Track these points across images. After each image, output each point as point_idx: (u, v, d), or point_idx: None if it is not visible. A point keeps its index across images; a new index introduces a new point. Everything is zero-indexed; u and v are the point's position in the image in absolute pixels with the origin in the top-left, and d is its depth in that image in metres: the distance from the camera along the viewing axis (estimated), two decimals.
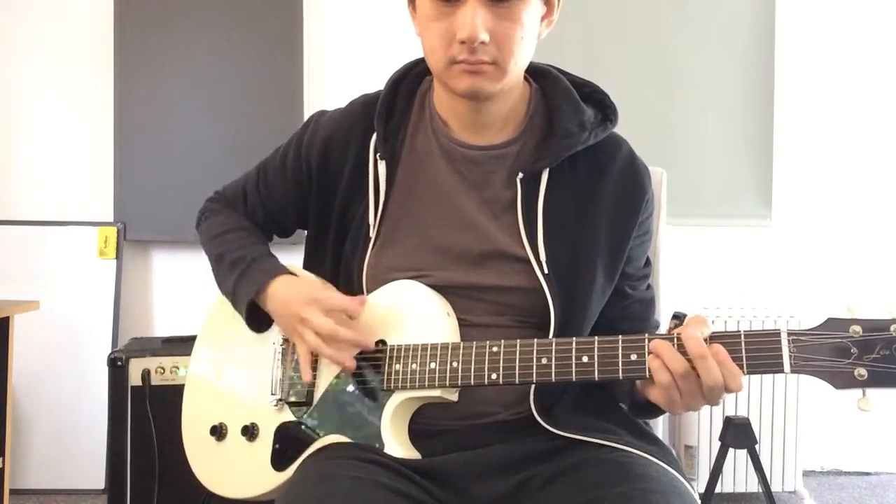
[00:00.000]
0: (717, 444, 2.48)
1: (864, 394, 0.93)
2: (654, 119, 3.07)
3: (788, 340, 0.94)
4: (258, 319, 1.21)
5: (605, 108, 1.19)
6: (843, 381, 0.92)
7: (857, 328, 0.92)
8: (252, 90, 3.00)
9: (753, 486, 2.74)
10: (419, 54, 1.25)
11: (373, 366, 1.11)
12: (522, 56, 1.10)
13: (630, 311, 1.21)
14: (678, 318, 1.06)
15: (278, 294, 1.17)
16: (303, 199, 1.26)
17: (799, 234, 3.16)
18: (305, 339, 1.12)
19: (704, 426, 2.78)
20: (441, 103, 1.20)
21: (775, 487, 2.74)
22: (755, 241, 3.16)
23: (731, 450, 2.40)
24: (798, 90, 3.15)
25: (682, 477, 1.08)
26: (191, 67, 2.99)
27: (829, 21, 3.16)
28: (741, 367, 0.96)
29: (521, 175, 1.14)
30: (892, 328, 0.91)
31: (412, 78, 1.23)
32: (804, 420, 2.79)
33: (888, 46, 3.18)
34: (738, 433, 2.35)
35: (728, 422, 2.39)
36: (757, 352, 0.95)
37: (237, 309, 1.21)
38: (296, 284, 1.18)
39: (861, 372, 0.91)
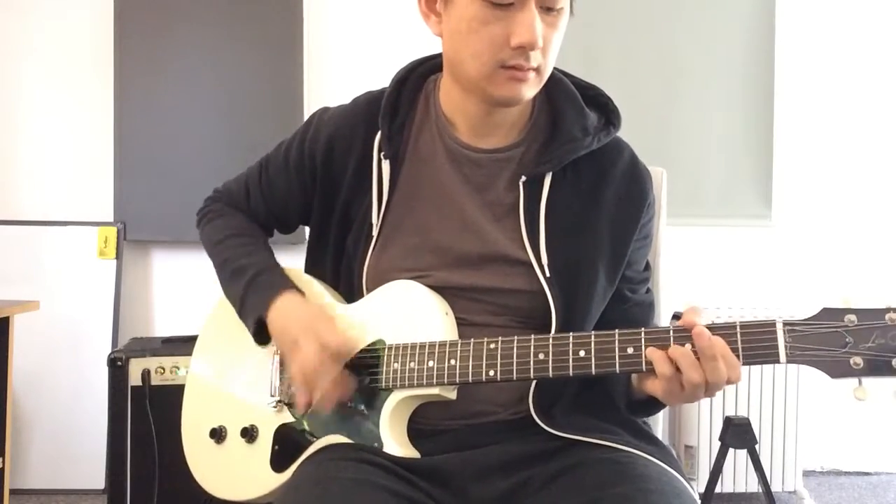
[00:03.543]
0: (717, 444, 2.48)
1: (859, 383, 0.93)
2: (654, 119, 3.08)
3: (784, 330, 0.94)
4: (264, 335, 1.19)
5: (608, 112, 1.20)
6: (838, 370, 0.92)
7: (853, 317, 0.93)
8: (252, 90, 3.00)
9: (753, 486, 2.75)
10: (420, 54, 1.25)
11: (371, 365, 1.11)
12: (554, 64, 1.12)
13: (629, 315, 1.20)
14: (678, 318, 1.06)
15: (278, 317, 1.15)
16: (305, 197, 1.26)
17: (799, 234, 3.16)
18: (292, 367, 1.11)
19: (704, 426, 2.78)
20: (449, 104, 1.19)
21: (775, 487, 2.74)
22: (755, 241, 3.16)
23: (731, 450, 2.41)
24: (798, 90, 3.15)
25: (681, 477, 1.08)
26: (191, 67, 2.99)
27: (829, 21, 3.16)
28: (738, 357, 0.96)
29: (523, 178, 1.14)
30: (887, 317, 0.91)
31: (417, 77, 1.23)
32: (804, 420, 2.79)
33: (888, 47, 3.18)
34: (738, 433, 2.35)
35: (728, 422, 2.39)
36: (753, 342, 0.96)
37: (244, 322, 1.20)
38: (296, 308, 1.15)
39: (857, 361, 0.92)
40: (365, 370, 1.12)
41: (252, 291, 1.19)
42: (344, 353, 1.09)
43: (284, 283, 1.19)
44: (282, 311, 1.15)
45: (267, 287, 1.18)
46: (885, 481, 3.12)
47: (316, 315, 1.12)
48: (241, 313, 1.21)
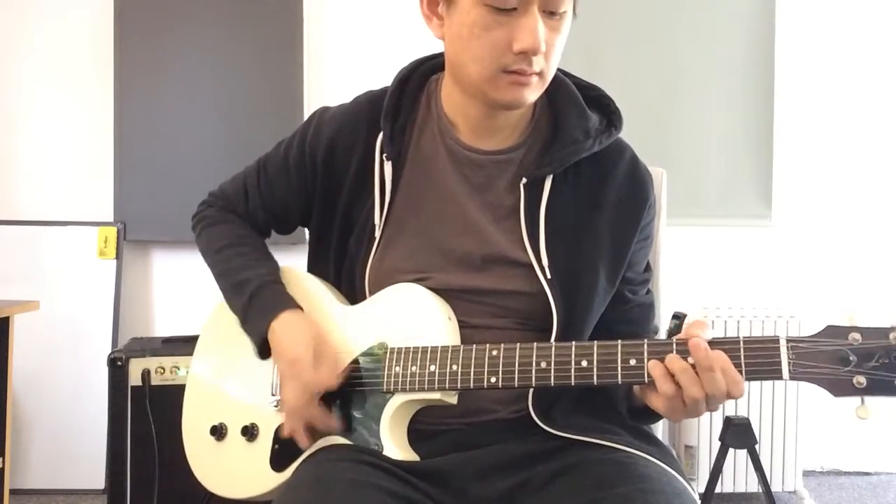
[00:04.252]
0: (717, 444, 2.48)
1: (862, 402, 0.92)
2: (654, 119, 3.07)
3: (787, 347, 0.93)
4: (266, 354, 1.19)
5: (609, 114, 1.19)
6: (841, 388, 0.92)
7: (857, 336, 0.92)
8: (252, 90, 3.00)
9: (753, 486, 2.75)
10: (420, 54, 1.25)
11: (373, 368, 1.11)
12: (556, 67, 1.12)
13: (630, 316, 1.21)
14: (678, 317, 1.06)
15: (273, 333, 1.16)
16: (306, 197, 1.25)
17: (799, 234, 3.16)
18: (283, 399, 1.13)
19: (704, 426, 2.78)
20: (451, 105, 1.18)
21: (775, 487, 2.74)
22: (755, 241, 3.16)
23: (731, 450, 2.40)
24: (798, 90, 3.15)
25: (682, 477, 1.08)
26: (191, 67, 3.00)
27: (829, 21, 3.16)
28: (739, 373, 0.95)
29: (524, 181, 1.14)
30: (892, 336, 0.90)
31: (419, 76, 1.22)
32: (804, 420, 2.80)
33: (888, 47, 3.18)
34: (738, 433, 2.35)
35: (728, 422, 2.39)
36: (756, 359, 0.95)
37: (248, 336, 1.20)
38: (290, 331, 1.15)
39: (860, 380, 0.91)
40: (366, 372, 1.12)
41: (252, 311, 1.19)
42: (325, 390, 1.11)
43: (283, 302, 1.18)
44: (278, 336, 1.15)
45: (266, 308, 1.17)
46: (885, 481, 3.12)
47: (305, 346, 1.12)
48: (245, 330, 1.21)
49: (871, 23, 3.16)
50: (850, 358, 0.92)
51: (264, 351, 1.18)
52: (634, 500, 0.97)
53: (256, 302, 1.19)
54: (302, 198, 1.26)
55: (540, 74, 1.08)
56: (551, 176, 1.14)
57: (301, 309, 1.18)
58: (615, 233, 1.16)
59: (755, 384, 2.78)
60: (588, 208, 1.16)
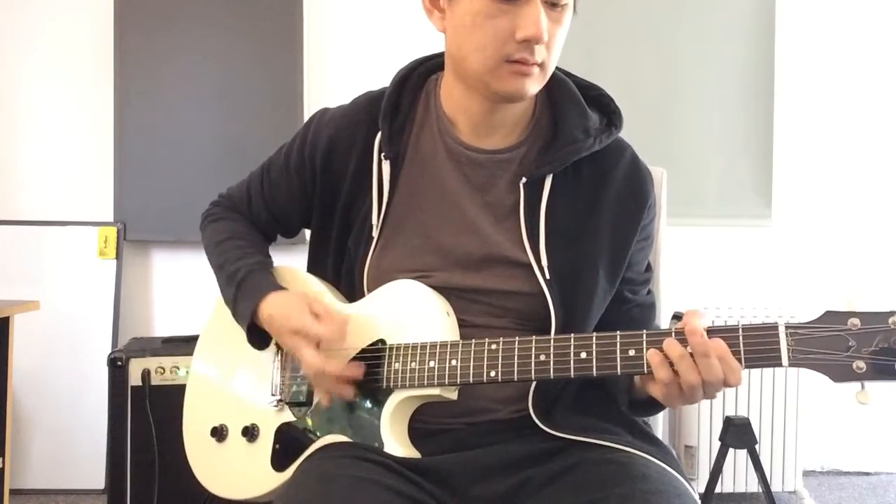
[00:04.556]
0: (717, 444, 2.48)
1: (862, 387, 0.92)
2: (654, 119, 3.07)
3: (786, 334, 0.93)
4: (260, 337, 1.19)
5: (609, 113, 1.19)
6: (841, 373, 0.92)
7: (856, 321, 0.92)
8: (252, 90, 3.00)
9: (753, 486, 2.74)
10: (420, 53, 1.25)
11: (372, 365, 1.11)
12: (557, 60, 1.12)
13: (630, 316, 1.21)
14: (678, 318, 1.06)
15: (268, 317, 1.15)
16: (306, 199, 1.26)
17: (799, 233, 3.16)
18: (304, 367, 1.12)
19: (704, 426, 2.78)
20: (451, 103, 1.19)
21: (775, 487, 2.74)
22: (755, 241, 3.16)
23: (731, 450, 2.41)
24: (798, 90, 3.15)
25: (682, 477, 1.08)
26: (191, 67, 2.99)
27: (829, 21, 3.16)
28: (739, 360, 0.95)
29: (524, 180, 1.14)
30: (891, 321, 0.90)
31: (417, 76, 1.22)
32: (804, 420, 2.79)
33: (888, 47, 3.18)
34: (738, 433, 2.35)
35: (728, 422, 2.39)
36: (755, 345, 0.95)
37: (240, 325, 1.20)
38: (281, 307, 1.14)
39: (860, 365, 0.91)
40: (366, 369, 1.12)
41: (240, 298, 1.19)
42: (337, 339, 1.10)
43: (268, 285, 1.18)
44: (275, 321, 1.14)
45: (251, 294, 1.17)
46: (885, 481, 3.12)
47: (299, 311, 1.11)
48: (235, 318, 1.21)
49: (871, 23, 3.16)
50: (850, 343, 0.91)
51: (253, 338, 1.17)
52: (634, 500, 0.98)
53: (242, 291, 1.19)
54: (303, 200, 1.26)
55: (541, 66, 1.08)
56: (551, 175, 1.14)
57: (285, 289, 1.18)
58: (615, 233, 1.16)
59: (755, 384, 2.78)
60: (588, 208, 1.16)
